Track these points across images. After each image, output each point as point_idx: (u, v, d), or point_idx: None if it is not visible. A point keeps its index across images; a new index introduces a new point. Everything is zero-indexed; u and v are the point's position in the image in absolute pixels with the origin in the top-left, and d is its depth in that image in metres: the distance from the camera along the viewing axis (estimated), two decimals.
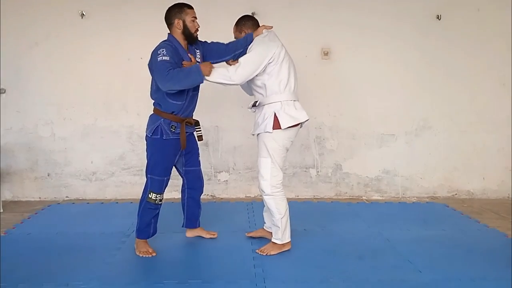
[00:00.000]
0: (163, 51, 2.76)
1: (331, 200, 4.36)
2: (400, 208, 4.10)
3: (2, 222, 3.59)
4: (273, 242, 2.98)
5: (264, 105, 2.89)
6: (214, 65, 2.87)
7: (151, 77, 2.92)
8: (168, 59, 2.73)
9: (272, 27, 3.01)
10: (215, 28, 4.03)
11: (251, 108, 3.02)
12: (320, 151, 4.42)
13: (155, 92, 2.89)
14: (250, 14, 3.08)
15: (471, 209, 4.06)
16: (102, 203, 4.19)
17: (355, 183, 4.46)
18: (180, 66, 2.80)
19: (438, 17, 4.27)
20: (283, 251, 2.96)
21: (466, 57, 4.33)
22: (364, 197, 4.44)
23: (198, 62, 2.91)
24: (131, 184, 4.35)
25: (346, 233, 3.38)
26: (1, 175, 4.13)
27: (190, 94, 2.93)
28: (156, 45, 2.85)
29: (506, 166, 4.44)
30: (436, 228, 3.50)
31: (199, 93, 3.03)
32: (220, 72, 2.80)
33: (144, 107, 4.18)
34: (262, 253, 2.94)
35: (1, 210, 3.93)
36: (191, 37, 2.90)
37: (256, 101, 2.95)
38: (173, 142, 2.90)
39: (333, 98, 4.35)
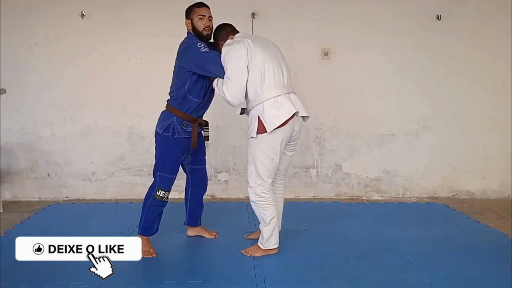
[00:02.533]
0: (201, 44, 2.82)
1: (331, 200, 4.36)
2: (400, 208, 4.10)
3: (2, 222, 3.59)
4: (257, 245, 2.96)
5: (249, 110, 2.81)
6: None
7: (173, 73, 2.94)
8: (209, 50, 2.84)
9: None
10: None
11: (240, 115, 2.95)
12: (320, 151, 4.42)
13: (178, 88, 2.89)
14: (224, 23, 2.95)
15: (471, 209, 4.06)
16: (102, 203, 4.18)
17: (355, 183, 4.46)
18: None
19: (438, 17, 4.26)
20: (269, 254, 2.92)
21: (466, 57, 4.33)
22: (364, 197, 4.44)
23: None
24: (131, 184, 4.35)
25: (346, 233, 3.37)
26: (1, 175, 4.13)
27: (208, 94, 2.96)
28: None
29: (506, 166, 4.44)
30: (436, 228, 3.50)
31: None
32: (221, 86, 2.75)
33: (144, 107, 4.22)
34: (246, 254, 2.92)
35: (1, 210, 3.94)
36: (200, 36, 2.90)
37: (244, 108, 2.86)
38: (183, 141, 2.92)
39: (333, 98, 4.35)
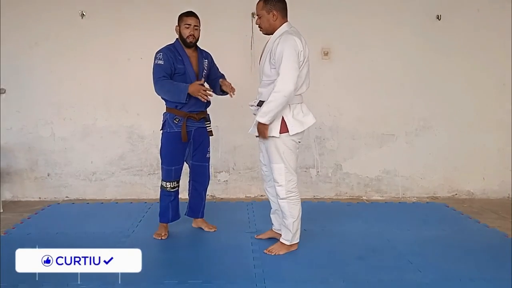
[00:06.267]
0: (160, 54, 3.08)
1: (331, 200, 4.36)
2: (400, 208, 4.10)
3: (2, 222, 3.59)
4: (281, 242, 2.96)
5: None
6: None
7: None
8: (163, 63, 3.04)
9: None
10: (214, 28, 4.03)
11: (253, 107, 2.92)
12: (320, 151, 4.41)
13: None
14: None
15: (471, 209, 4.06)
16: (102, 203, 4.18)
17: (355, 183, 4.46)
18: (176, 68, 3.06)
19: (438, 17, 4.26)
20: (271, 254, 2.94)
21: (466, 57, 4.32)
22: (364, 197, 4.44)
23: (205, 70, 3.18)
24: (131, 184, 4.35)
25: (346, 233, 3.38)
26: (1, 175, 4.13)
27: None
28: (159, 46, 3.10)
29: (506, 166, 4.43)
30: (436, 228, 3.50)
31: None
32: (271, 106, 2.70)
33: (144, 107, 4.22)
34: (270, 253, 2.93)
35: (1, 210, 3.94)
36: (184, 43, 3.12)
37: (262, 101, 2.81)
38: (177, 134, 3.11)
39: (333, 98, 4.35)
